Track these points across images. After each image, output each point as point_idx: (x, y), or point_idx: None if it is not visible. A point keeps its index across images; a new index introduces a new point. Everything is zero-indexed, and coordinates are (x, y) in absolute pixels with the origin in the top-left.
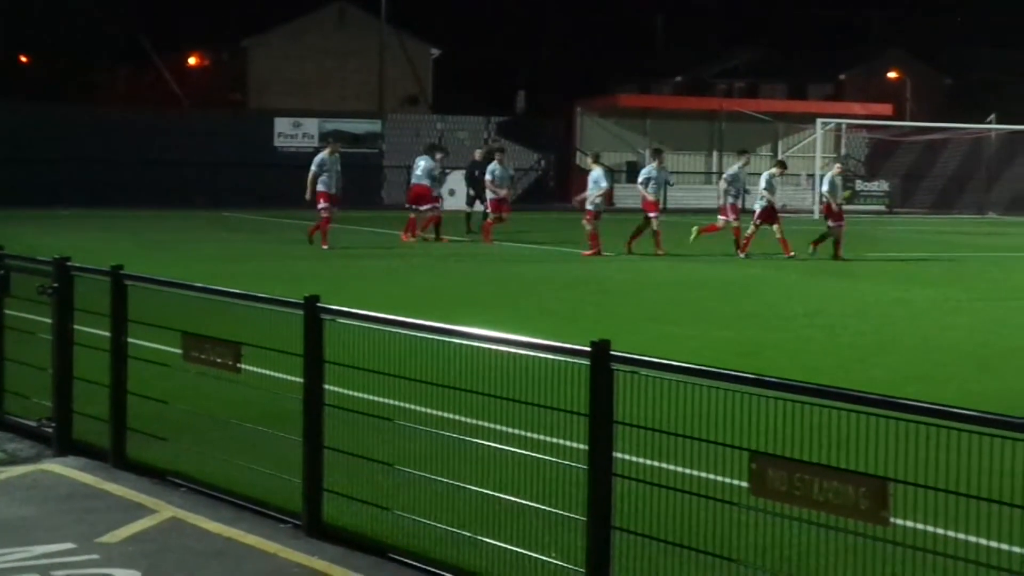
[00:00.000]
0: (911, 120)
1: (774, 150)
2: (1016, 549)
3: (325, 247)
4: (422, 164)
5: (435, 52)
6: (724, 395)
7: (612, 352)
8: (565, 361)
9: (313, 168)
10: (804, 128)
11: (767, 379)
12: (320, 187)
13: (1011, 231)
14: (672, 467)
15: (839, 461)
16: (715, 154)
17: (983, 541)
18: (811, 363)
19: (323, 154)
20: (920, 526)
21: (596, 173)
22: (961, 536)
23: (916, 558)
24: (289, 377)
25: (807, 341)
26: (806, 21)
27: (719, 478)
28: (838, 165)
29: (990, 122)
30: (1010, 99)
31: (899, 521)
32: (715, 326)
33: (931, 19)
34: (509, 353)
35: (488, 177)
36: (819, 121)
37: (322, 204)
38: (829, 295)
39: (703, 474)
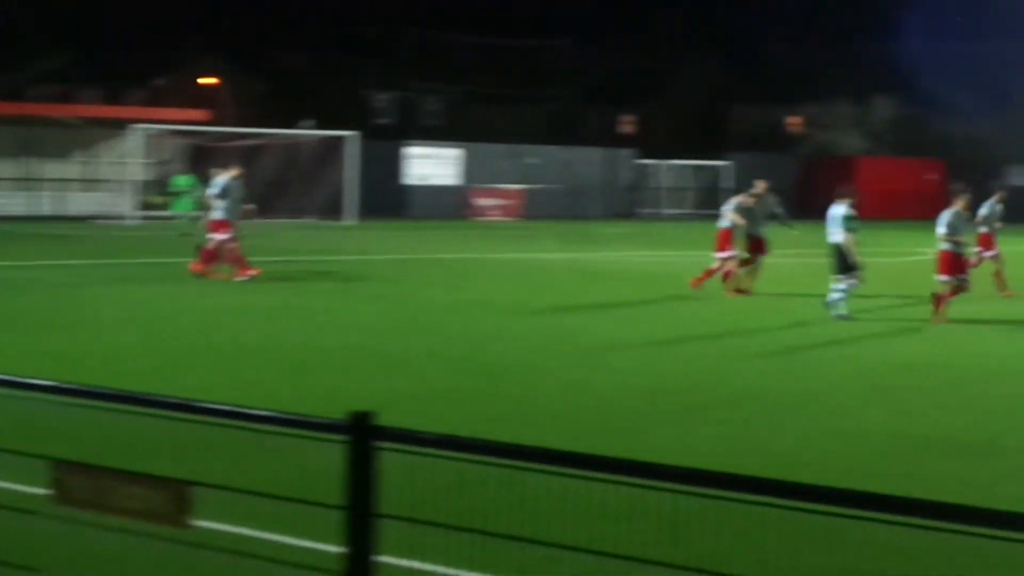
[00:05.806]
0: (230, 126)
1: (90, 156)
2: (319, 546)
3: None
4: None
5: None
6: (25, 404)
7: None
8: None
9: None
10: (120, 134)
11: (72, 387)
12: None
13: (326, 235)
14: None
15: (144, 467)
16: (30, 160)
17: (294, 541)
18: (128, 369)
19: None
20: (225, 527)
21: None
22: (266, 536)
23: (222, 559)
24: None
25: (124, 347)
26: (120, 25)
27: (21, 488)
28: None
29: (305, 127)
30: (326, 103)
31: (204, 523)
32: (29, 335)
33: (248, 24)
34: None
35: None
36: (133, 127)
37: None
38: (145, 301)
39: (3, 484)
